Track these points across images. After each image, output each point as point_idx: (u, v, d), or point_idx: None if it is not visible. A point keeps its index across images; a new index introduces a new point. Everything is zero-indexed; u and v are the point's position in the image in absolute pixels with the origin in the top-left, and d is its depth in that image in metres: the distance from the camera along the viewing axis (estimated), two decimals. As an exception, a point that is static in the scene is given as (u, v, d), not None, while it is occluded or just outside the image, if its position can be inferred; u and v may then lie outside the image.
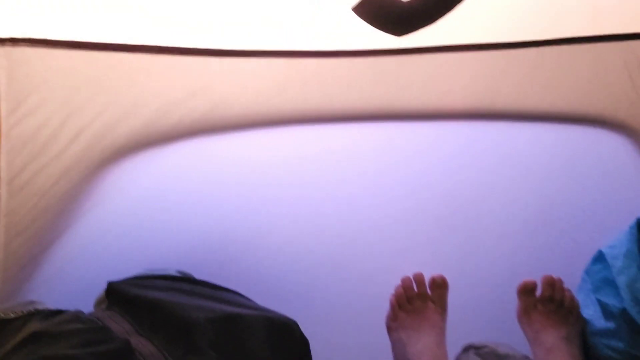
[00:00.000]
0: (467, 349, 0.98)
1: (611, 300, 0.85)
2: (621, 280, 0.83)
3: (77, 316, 0.63)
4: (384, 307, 0.95)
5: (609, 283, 0.86)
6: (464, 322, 1.02)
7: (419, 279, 0.93)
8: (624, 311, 0.82)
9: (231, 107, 0.83)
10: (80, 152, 0.75)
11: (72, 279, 0.87)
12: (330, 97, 0.86)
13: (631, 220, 0.89)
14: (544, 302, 0.91)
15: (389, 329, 0.94)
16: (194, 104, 0.80)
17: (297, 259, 1.00)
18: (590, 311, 0.91)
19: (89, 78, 0.75)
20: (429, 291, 0.94)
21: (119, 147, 0.77)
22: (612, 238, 0.91)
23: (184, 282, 0.77)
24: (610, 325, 0.85)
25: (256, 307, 0.68)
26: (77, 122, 0.75)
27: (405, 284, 0.93)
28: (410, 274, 0.94)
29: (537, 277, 0.93)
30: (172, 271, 0.82)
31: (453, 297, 0.96)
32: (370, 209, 1.02)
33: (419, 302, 0.93)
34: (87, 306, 0.75)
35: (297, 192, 0.96)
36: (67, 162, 0.75)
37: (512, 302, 0.95)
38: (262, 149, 0.94)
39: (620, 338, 0.83)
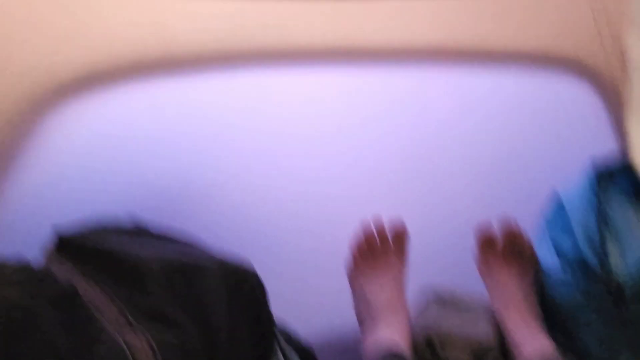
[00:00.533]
0: (427, 295, 0.99)
1: (566, 246, 0.87)
2: (576, 225, 0.84)
3: (22, 264, 0.59)
4: (345, 254, 0.94)
5: (565, 228, 0.87)
6: (425, 267, 1.03)
7: (379, 225, 0.93)
8: (578, 256, 0.84)
9: (184, 46, 0.78)
10: (18, 88, 0.69)
11: (17, 228, 0.82)
12: (288, 35, 0.82)
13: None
14: (502, 245, 0.92)
15: (349, 276, 0.94)
16: (143, 39, 0.74)
17: (256, 206, 0.98)
18: (547, 258, 0.92)
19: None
20: (389, 238, 0.93)
21: (59, 84, 0.71)
22: (570, 183, 0.92)
23: (136, 230, 0.74)
24: (565, 270, 0.87)
25: (212, 254, 0.65)
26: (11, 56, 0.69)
27: (366, 231, 0.93)
28: (371, 220, 0.93)
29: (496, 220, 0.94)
30: (124, 219, 0.78)
31: (414, 243, 0.96)
32: (330, 155, 1.00)
33: (379, 249, 0.93)
34: (33, 254, 0.71)
35: (257, 138, 0.93)
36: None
37: (473, 248, 0.96)
38: (219, 93, 0.90)
39: (573, 283, 0.85)
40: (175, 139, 0.90)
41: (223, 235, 0.91)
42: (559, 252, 0.89)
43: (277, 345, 0.67)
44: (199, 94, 0.88)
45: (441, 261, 1.05)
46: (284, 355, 0.66)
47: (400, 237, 0.93)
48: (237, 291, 0.58)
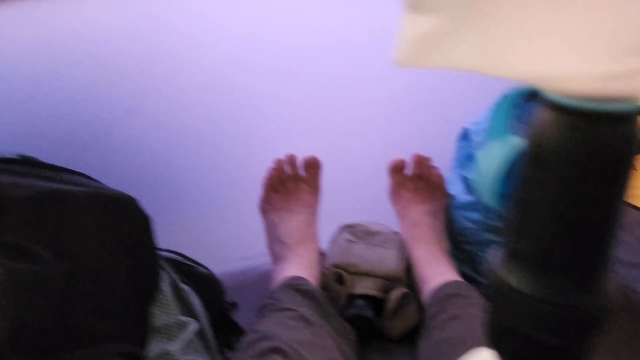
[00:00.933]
0: (342, 228, 0.99)
1: (472, 175, 0.87)
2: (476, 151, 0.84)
3: None
4: (259, 190, 0.93)
5: (471, 158, 0.88)
6: (340, 203, 1.03)
7: (291, 160, 0.91)
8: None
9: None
10: None
11: None
12: None
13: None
14: (413, 179, 0.92)
15: (262, 211, 0.93)
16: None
17: (157, 143, 0.94)
18: (455, 187, 0.93)
19: None
20: (301, 172, 0.92)
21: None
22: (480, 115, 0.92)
23: (19, 164, 0.69)
24: (469, 198, 0.88)
25: (92, 186, 0.62)
26: None
27: (278, 165, 0.91)
28: (283, 155, 0.92)
29: (409, 156, 0.93)
30: (9, 154, 0.73)
31: (330, 179, 0.95)
32: (241, 88, 0.96)
33: (291, 183, 0.92)
34: None
35: (152, 62, 0.88)
36: None
37: (386, 182, 0.96)
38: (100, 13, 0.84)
39: (476, 209, 0.86)
40: (60, 69, 0.84)
41: (127, 174, 0.88)
42: (465, 182, 0.89)
43: (169, 277, 0.65)
44: (74, 17, 0.82)
45: (356, 197, 1.04)
46: (176, 287, 0.65)
47: (312, 171, 0.91)
48: (111, 221, 0.55)
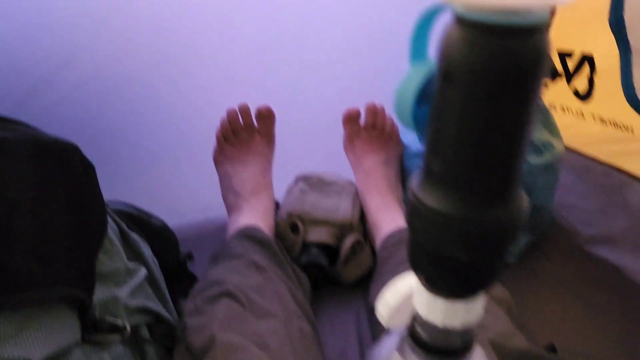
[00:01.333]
0: (297, 179, 0.99)
1: (422, 113, 0.87)
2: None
3: None
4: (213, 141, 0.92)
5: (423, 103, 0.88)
6: (296, 153, 1.03)
7: (244, 110, 0.90)
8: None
9: None
10: None
11: None
12: None
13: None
14: (367, 129, 0.92)
15: (216, 163, 0.92)
16: None
17: (104, 93, 0.92)
18: (409, 136, 0.94)
19: None
20: (255, 122, 0.91)
21: None
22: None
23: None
24: (422, 146, 0.89)
25: (29, 133, 0.60)
26: None
27: (230, 116, 0.90)
28: (236, 106, 0.90)
29: (364, 105, 0.93)
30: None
31: (285, 130, 0.94)
32: (190, 36, 0.93)
33: (244, 133, 0.91)
34: None
35: (95, 9, 0.84)
36: None
37: (340, 132, 0.96)
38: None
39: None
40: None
41: (75, 123, 0.85)
42: (417, 121, 0.90)
43: (117, 226, 0.64)
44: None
45: (312, 148, 1.05)
46: (124, 235, 0.64)
47: (266, 121, 0.91)
48: (51, 168, 0.54)
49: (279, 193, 0.96)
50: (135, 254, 0.64)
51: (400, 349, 0.32)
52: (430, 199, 0.24)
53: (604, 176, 0.91)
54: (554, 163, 0.83)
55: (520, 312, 0.75)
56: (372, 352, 0.35)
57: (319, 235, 0.87)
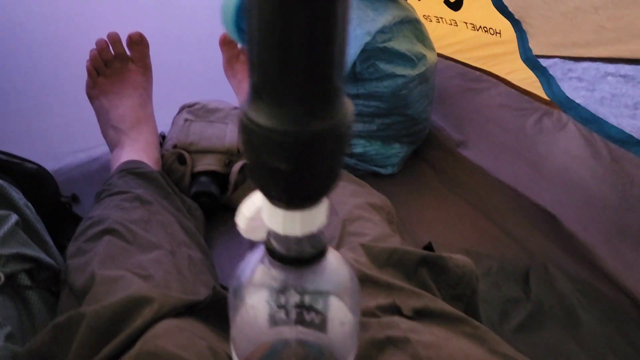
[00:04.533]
0: (181, 109, 0.96)
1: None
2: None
3: None
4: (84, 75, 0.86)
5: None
6: (177, 81, 0.99)
7: (114, 38, 0.84)
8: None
9: None
10: None
11: None
12: None
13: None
14: (244, 51, 0.90)
15: (90, 97, 0.87)
16: None
17: None
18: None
19: None
20: (127, 51, 0.86)
21: None
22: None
23: None
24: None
25: None
26: None
27: (100, 46, 0.84)
28: (105, 36, 0.84)
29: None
30: None
31: (161, 56, 0.90)
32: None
33: (117, 63, 0.85)
34: None
35: None
36: None
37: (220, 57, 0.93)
38: None
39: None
40: None
41: None
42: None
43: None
44: None
45: (195, 76, 1.01)
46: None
47: (139, 47, 0.85)
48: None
49: (165, 126, 0.93)
50: (3, 201, 0.61)
51: (263, 261, 0.33)
52: (256, 114, 0.24)
53: (476, 81, 0.97)
54: (427, 74, 0.87)
55: (405, 217, 0.80)
56: (240, 267, 0.36)
57: (206, 164, 0.86)
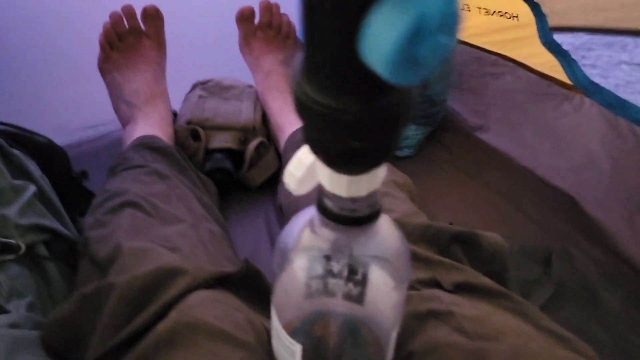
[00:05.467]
0: (194, 86, 0.95)
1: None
2: None
3: None
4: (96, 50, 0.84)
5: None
6: (190, 58, 0.97)
7: (128, 12, 0.82)
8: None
9: None
10: None
11: None
12: None
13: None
14: (263, 28, 0.89)
15: (102, 71, 0.85)
16: None
17: None
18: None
19: None
20: (142, 25, 0.84)
21: None
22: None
23: None
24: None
25: None
26: None
27: (114, 19, 0.82)
28: (119, 8, 0.82)
29: (256, 4, 0.88)
30: None
31: (174, 32, 0.88)
32: None
33: (131, 38, 0.84)
34: None
35: None
36: None
37: (235, 34, 0.91)
38: None
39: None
40: None
41: None
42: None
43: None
44: None
45: (209, 53, 0.99)
46: (5, 152, 0.58)
47: (154, 21, 0.84)
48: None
49: (177, 103, 0.91)
50: (20, 172, 0.59)
51: (311, 224, 0.32)
52: (318, 95, 0.23)
53: (493, 65, 0.95)
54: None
55: (422, 198, 0.79)
56: (283, 232, 0.35)
57: (221, 141, 0.85)
